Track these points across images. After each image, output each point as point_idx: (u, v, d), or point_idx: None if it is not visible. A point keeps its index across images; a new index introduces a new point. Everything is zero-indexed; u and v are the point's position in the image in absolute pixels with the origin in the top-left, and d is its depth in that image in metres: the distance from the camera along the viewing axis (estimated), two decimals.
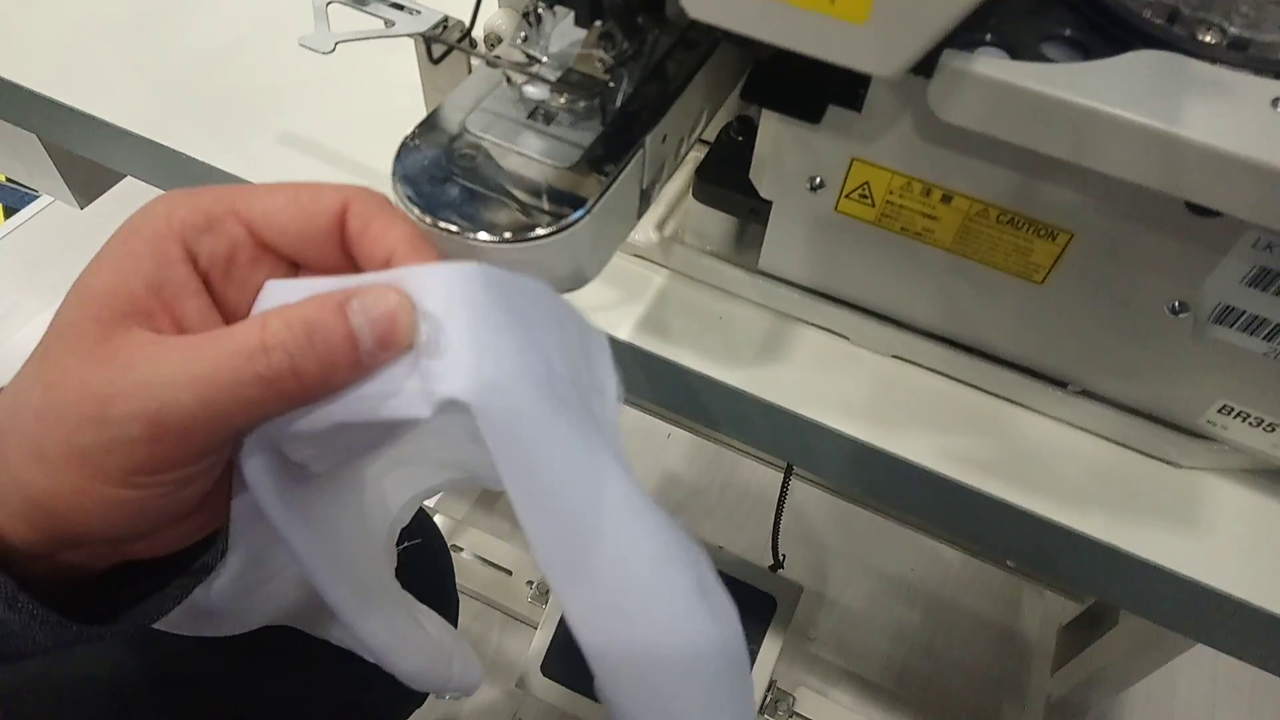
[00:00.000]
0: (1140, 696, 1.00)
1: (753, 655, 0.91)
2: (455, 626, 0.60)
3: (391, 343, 0.23)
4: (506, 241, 0.28)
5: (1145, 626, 0.78)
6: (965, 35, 0.27)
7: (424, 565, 0.55)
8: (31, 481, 0.23)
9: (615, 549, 0.24)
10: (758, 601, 0.93)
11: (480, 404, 0.22)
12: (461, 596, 0.65)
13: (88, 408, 0.22)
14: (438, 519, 1.03)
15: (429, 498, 0.35)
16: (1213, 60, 0.27)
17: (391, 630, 0.31)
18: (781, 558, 0.92)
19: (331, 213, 0.25)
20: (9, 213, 1.48)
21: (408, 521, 0.35)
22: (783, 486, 0.81)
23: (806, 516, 1.16)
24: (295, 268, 0.26)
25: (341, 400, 0.24)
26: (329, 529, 0.28)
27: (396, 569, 0.35)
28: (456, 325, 0.23)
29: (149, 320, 0.23)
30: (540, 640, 0.89)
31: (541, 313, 0.26)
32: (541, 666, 0.93)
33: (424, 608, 0.35)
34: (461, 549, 1.02)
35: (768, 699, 0.92)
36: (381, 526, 0.33)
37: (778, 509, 0.83)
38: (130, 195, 0.65)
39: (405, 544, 0.37)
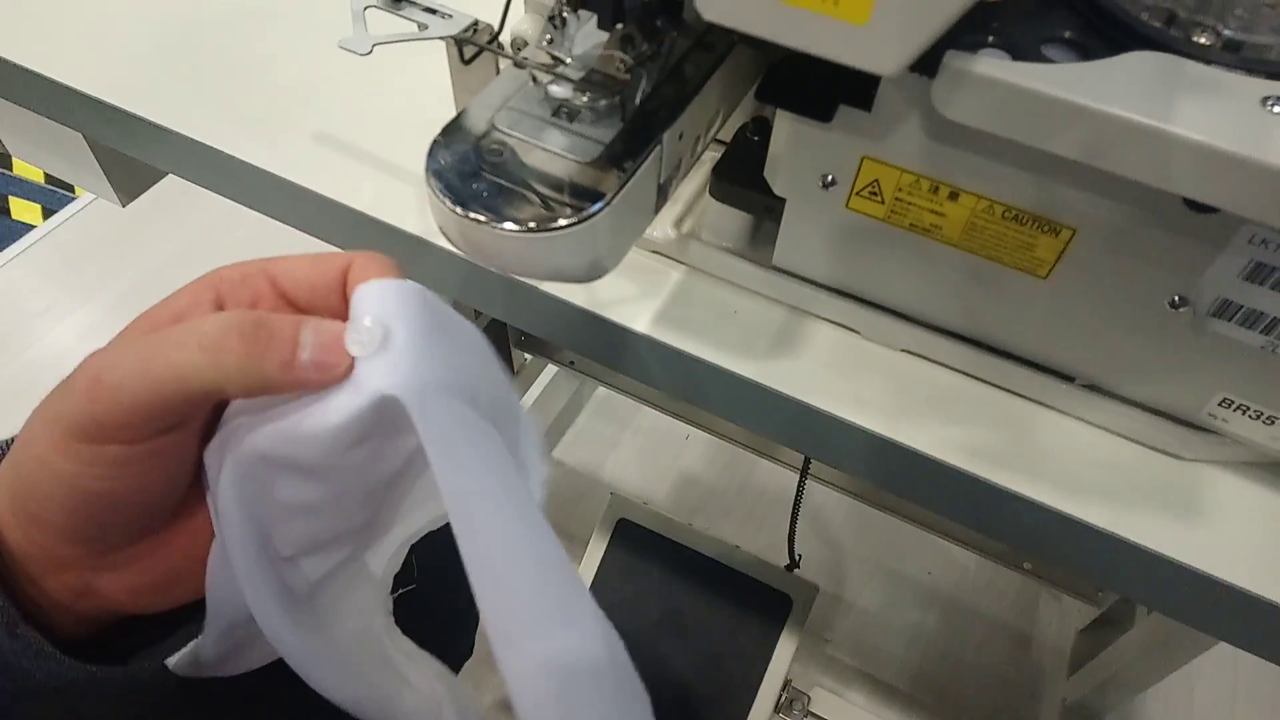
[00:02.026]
0: (1158, 702, 1.00)
1: (768, 654, 0.92)
2: (473, 642, 0.60)
3: (328, 366, 0.24)
4: (530, 231, 0.29)
5: (1160, 629, 0.78)
6: (968, 37, 0.28)
7: (445, 583, 0.55)
8: (19, 459, 0.25)
9: (526, 560, 0.25)
10: (773, 601, 0.94)
11: (418, 400, 0.24)
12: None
13: (70, 376, 0.24)
14: None
15: (414, 539, 0.35)
16: (1207, 61, 0.28)
17: (370, 696, 0.31)
18: (798, 558, 0.93)
19: (338, 269, 0.27)
20: (47, 214, 1.52)
21: (398, 568, 0.36)
22: (799, 485, 0.82)
23: (824, 519, 1.17)
24: None
25: (284, 409, 0.25)
26: (303, 608, 0.29)
27: (411, 590, 0.36)
28: (396, 331, 0.25)
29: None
30: None
31: (473, 356, 0.28)
32: None
33: (418, 657, 0.35)
34: None
35: (783, 698, 0.93)
36: (372, 583, 0.34)
37: (794, 508, 0.84)
38: (166, 197, 0.67)
39: (399, 590, 0.37)
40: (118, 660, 0.28)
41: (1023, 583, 1.09)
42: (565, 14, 0.31)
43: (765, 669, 0.92)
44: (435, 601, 0.40)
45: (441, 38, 0.35)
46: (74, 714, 0.40)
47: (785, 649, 0.92)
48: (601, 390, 1.26)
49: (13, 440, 0.26)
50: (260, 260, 0.28)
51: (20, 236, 1.47)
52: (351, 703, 0.30)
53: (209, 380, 0.24)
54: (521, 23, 0.38)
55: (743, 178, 0.40)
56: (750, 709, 0.90)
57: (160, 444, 0.25)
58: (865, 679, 1.02)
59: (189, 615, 0.30)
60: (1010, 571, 1.06)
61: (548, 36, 0.32)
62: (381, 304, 0.25)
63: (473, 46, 0.35)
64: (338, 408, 0.25)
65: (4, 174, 1.57)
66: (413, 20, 0.36)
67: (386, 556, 0.33)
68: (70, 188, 1.55)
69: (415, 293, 0.26)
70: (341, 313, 0.27)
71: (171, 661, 0.32)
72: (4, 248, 1.46)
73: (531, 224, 0.30)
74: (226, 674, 0.35)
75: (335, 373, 0.25)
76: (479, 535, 0.25)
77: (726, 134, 0.42)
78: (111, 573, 0.27)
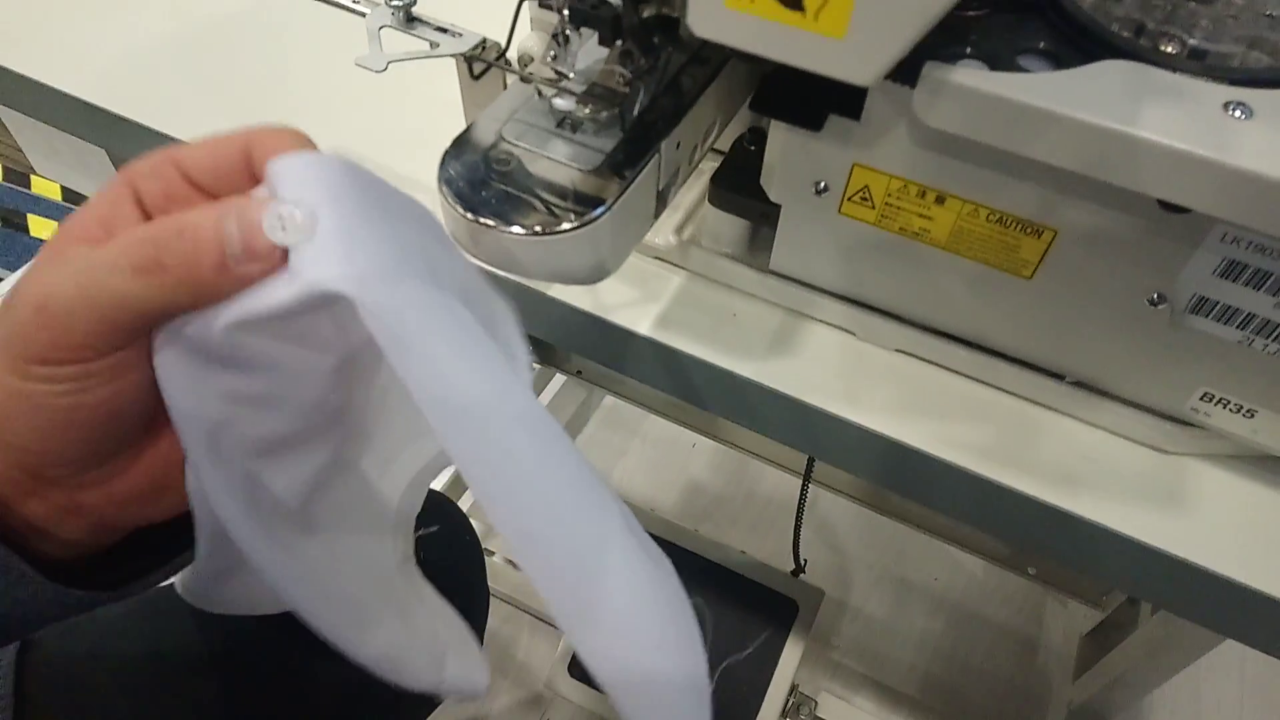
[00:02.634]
0: (1164, 705, 1.00)
1: (775, 659, 0.93)
2: (484, 623, 0.62)
3: (261, 251, 0.23)
4: (537, 235, 0.31)
5: (1162, 630, 0.79)
6: (947, 49, 0.30)
7: (454, 559, 0.57)
8: None
9: (536, 469, 0.23)
10: (780, 606, 0.96)
11: (357, 291, 0.21)
12: (493, 600, 0.68)
13: (9, 301, 0.24)
14: (473, 521, 1.06)
15: (431, 479, 0.34)
16: (1173, 69, 0.30)
17: (356, 621, 0.29)
18: (803, 563, 0.94)
19: (239, 146, 0.27)
20: None
21: (418, 508, 0.35)
22: (803, 488, 0.83)
23: (831, 525, 1.18)
24: None
25: (223, 306, 0.24)
26: (287, 517, 0.28)
27: (420, 558, 0.35)
28: (321, 210, 0.22)
29: (93, 244, 0.25)
30: (567, 642, 0.92)
31: (425, 232, 0.26)
32: (569, 668, 0.96)
33: (432, 601, 0.34)
34: (493, 552, 1.05)
35: (790, 703, 0.94)
36: (377, 515, 0.32)
37: (798, 511, 0.86)
38: None
39: (421, 531, 0.36)
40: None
41: (1029, 587, 1.09)
42: (568, 31, 0.33)
43: (772, 674, 0.93)
44: (445, 598, 0.42)
45: (452, 55, 0.37)
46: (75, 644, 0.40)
47: (792, 654, 0.93)
48: (609, 399, 1.27)
49: None
50: (168, 149, 0.28)
51: (37, 253, 1.50)
52: (329, 626, 0.28)
53: (153, 302, 0.24)
54: (528, 40, 0.40)
55: (740, 185, 0.42)
56: (758, 714, 0.91)
57: (120, 356, 0.25)
58: (872, 684, 1.03)
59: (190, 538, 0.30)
60: (1016, 576, 1.07)
61: (552, 53, 0.34)
62: (302, 182, 0.23)
63: (481, 63, 0.37)
64: (266, 299, 0.23)
65: (23, 192, 1.61)
66: (425, 39, 0.38)
67: (398, 491, 0.32)
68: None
69: (338, 164, 0.24)
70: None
71: (178, 584, 0.31)
72: (22, 264, 1.49)
73: (538, 228, 0.31)
74: (231, 606, 0.34)
75: (272, 260, 0.23)
76: (475, 448, 0.22)
77: (725, 144, 0.44)
78: (95, 488, 0.27)
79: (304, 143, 0.27)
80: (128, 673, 0.44)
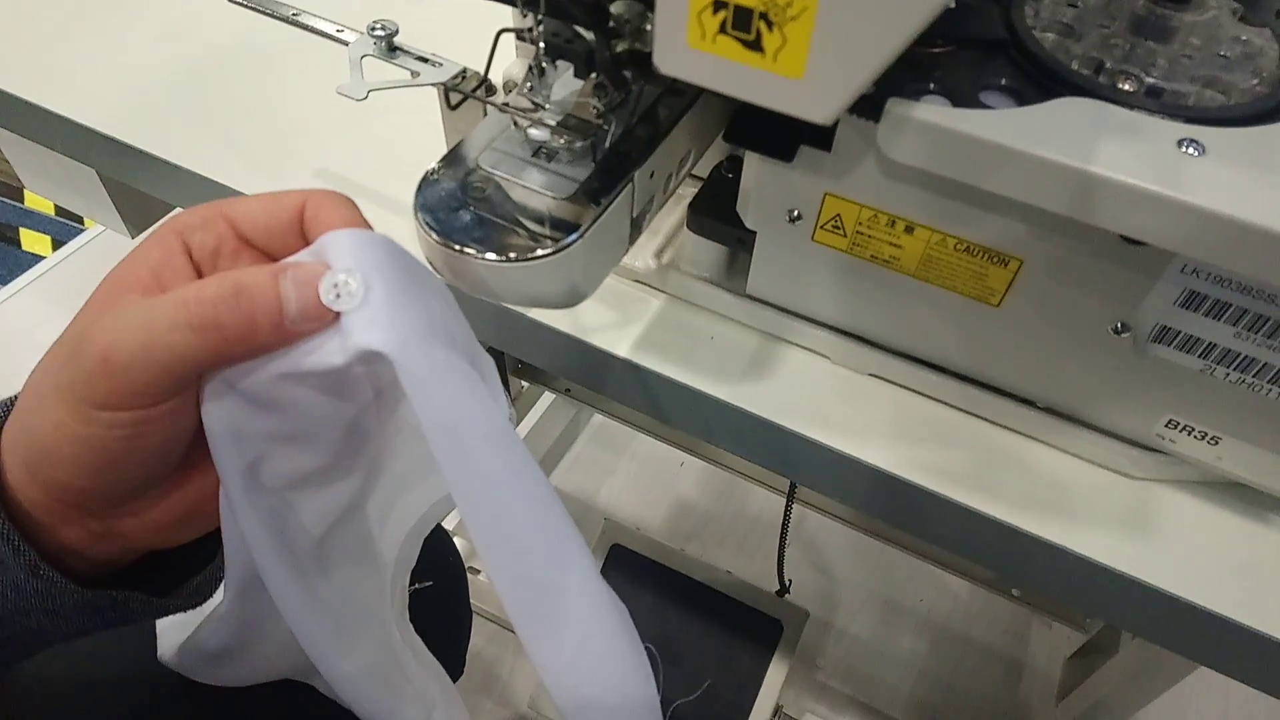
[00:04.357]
0: None
1: (759, 679, 0.93)
2: (468, 642, 0.62)
3: (315, 313, 0.25)
4: (511, 261, 0.32)
5: (1143, 654, 0.79)
6: (912, 85, 0.31)
7: (438, 578, 0.57)
8: (33, 425, 0.26)
9: (528, 512, 0.26)
10: (764, 626, 0.96)
11: (400, 353, 0.25)
12: (476, 619, 0.69)
13: (68, 346, 0.26)
14: (456, 541, 1.07)
15: (428, 529, 0.36)
16: (1130, 106, 0.30)
17: (367, 678, 0.31)
18: (788, 583, 0.94)
19: (293, 208, 0.29)
20: (56, 245, 1.56)
21: (414, 561, 0.37)
22: (786, 509, 0.83)
23: (817, 546, 1.18)
24: (272, 259, 0.30)
25: (274, 360, 0.26)
26: (308, 561, 0.30)
27: (420, 591, 0.37)
28: (374, 283, 0.25)
29: (145, 294, 0.27)
30: None
31: (443, 301, 0.29)
32: None
33: (421, 654, 0.36)
34: (478, 571, 1.05)
35: None
36: (379, 565, 0.34)
37: (782, 531, 0.86)
38: None
39: (416, 585, 0.38)
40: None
41: (1014, 609, 1.10)
42: (544, 64, 0.34)
43: (756, 695, 0.93)
44: (429, 617, 0.42)
45: (432, 84, 0.38)
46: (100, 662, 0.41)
47: (776, 675, 0.93)
48: (598, 417, 1.28)
49: (14, 399, 0.28)
50: (218, 203, 0.29)
51: (31, 267, 1.50)
52: (333, 670, 0.30)
53: (210, 356, 0.25)
54: (512, 67, 0.41)
55: (717, 212, 0.43)
56: None
57: (176, 401, 0.26)
58: (857, 706, 1.03)
59: (212, 553, 0.32)
60: (1001, 598, 1.07)
61: (529, 84, 0.34)
62: (355, 256, 0.26)
63: (459, 94, 0.37)
64: (320, 357, 0.25)
65: (16, 206, 1.61)
66: (406, 68, 0.38)
67: (398, 539, 0.34)
68: (80, 220, 1.58)
69: (384, 243, 0.27)
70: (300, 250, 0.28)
71: (168, 658, 0.33)
72: (14, 278, 1.49)
73: (512, 254, 0.32)
74: (226, 684, 0.36)
75: (324, 320, 0.25)
76: (479, 491, 0.26)
77: (704, 169, 0.45)
78: (133, 516, 0.28)
79: (354, 209, 0.29)
80: (105, 698, 0.44)
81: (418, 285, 0.27)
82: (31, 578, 0.27)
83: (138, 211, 0.69)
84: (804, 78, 0.24)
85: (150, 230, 0.29)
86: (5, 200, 1.61)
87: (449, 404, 0.26)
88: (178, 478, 0.29)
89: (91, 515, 0.28)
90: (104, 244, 1.52)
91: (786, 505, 0.83)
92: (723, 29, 0.25)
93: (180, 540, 0.30)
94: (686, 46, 0.26)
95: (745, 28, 0.24)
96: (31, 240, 1.57)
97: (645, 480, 1.24)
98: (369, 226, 0.28)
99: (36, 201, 1.62)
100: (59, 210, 1.61)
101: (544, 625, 0.26)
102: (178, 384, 0.26)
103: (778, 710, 0.93)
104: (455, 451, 0.26)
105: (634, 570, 0.97)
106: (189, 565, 0.32)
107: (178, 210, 0.29)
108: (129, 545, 0.29)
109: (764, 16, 0.24)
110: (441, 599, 0.56)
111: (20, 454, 0.27)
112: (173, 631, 0.39)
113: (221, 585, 0.32)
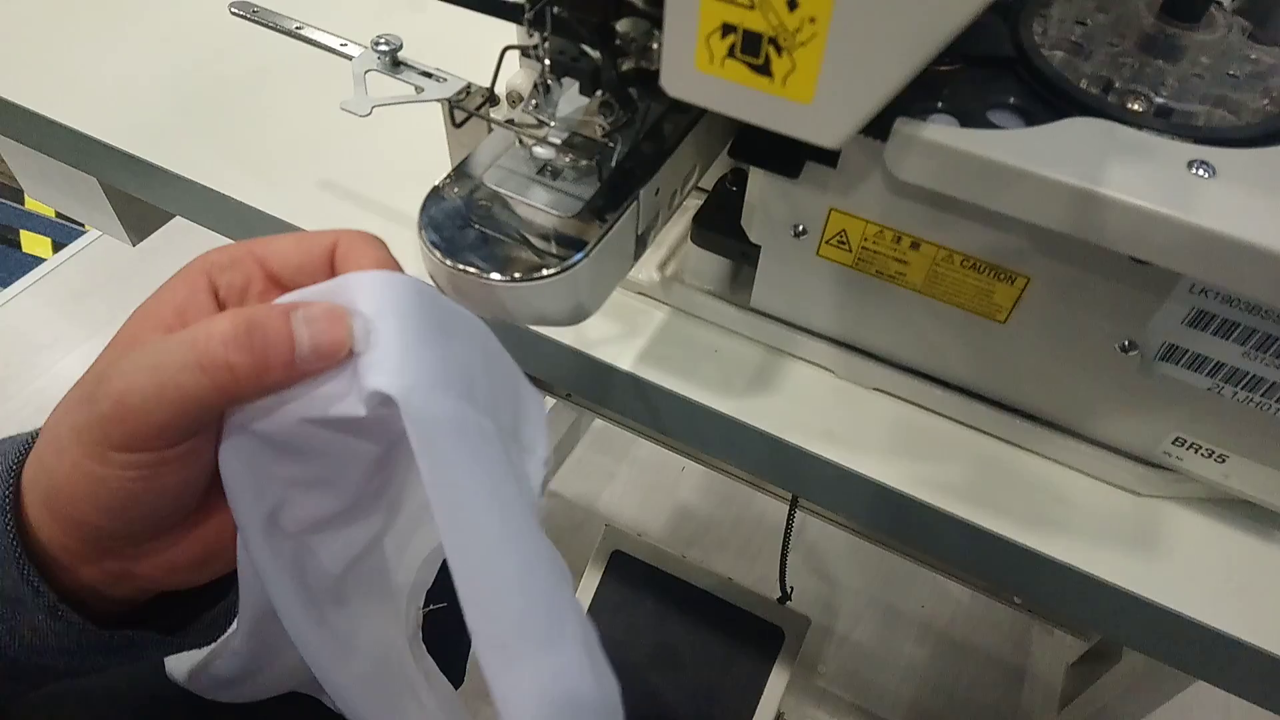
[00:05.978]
0: None
1: (760, 686, 0.93)
2: (467, 656, 0.62)
3: (328, 351, 0.25)
4: (516, 281, 0.32)
5: (1146, 662, 0.79)
6: (919, 104, 0.31)
7: (443, 593, 0.57)
8: (52, 465, 0.26)
9: (511, 572, 0.25)
10: (766, 633, 0.95)
11: (405, 399, 0.24)
12: None
13: (87, 387, 0.26)
14: None
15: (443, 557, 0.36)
16: (1139, 126, 0.30)
17: (377, 703, 0.31)
18: (790, 590, 0.94)
19: (325, 247, 0.29)
20: (57, 247, 1.55)
21: (430, 583, 0.36)
22: (789, 518, 0.83)
23: (819, 552, 1.18)
24: None
25: (290, 400, 0.26)
26: (324, 599, 0.30)
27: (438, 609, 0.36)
28: (386, 325, 0.25)
29: (168, 333, 0.27)
30: None
31: (472, 345, 0.28)
32: None
33: (435, 677, 0.36)
34: None
35: None
36: (395, 593, 0.34)
37: (784, 540, 0.86)
38: (175, 235, 0.70)
39: (430, 607, 0.38)
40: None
41: (1015, 616, 1.10)
42: (550, 81, 0.34)
43: (758, 702, 0.93)
44: (432, 627, 0.42)
45: (436, 100, 0.38)
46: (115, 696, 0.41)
47: (777, 681, 0.92)
48: (599, 422, 1.28)
49: (35, 435, 0.28)
50: (247, 242, 0.29)
51: (31, 269, 1.50)
52: (349, 700, 0.30)
53: (220, 397, 0.25)
54: (516, 78, 0.41)
55: (722, 225, 0.42)
56: None
57: (193, 443, 0.26)
58: (858, 712, 1.03)
59: (225, 589, 0.32)
60: (1003, 606, 1.07)
61: (534, 101, 0.34)
62: (371, 299, 0.26)
63: (462, 111, 0.37)
64: (329, 397, 0.25)
65: (16, 208, 1.61)
66: (410, 83, 0.38)
67: (415, 565, 0.33)
68: (80, 223, 1.58)
69: (407, 285, 0.26)
70: None
71: (179, 675, 0.33)
72: (15, 280, 1.49)
73: (516, 274, 0.32)
74: (240, 700, 0.36)
75: (337, 358, 0.25)
76: (466, 546, 0.25)
77: (708, 183, 0.45)
78: (150, 557, 0.28)
79: (385, 250, 0.29)
80: (109, 702, 0.44)
81: (443, 331, 0.27)
82: (50, 619, 0.27)
83: (139, 219, 0.69)
84: (813, 103, 0.24)
85: (173, 261, 0.29)
86: (6, 202, 1.61)
87: (446, 457, 0.25)
88: (196, 519, 0.29)
89: (110, 555, 0.28)
90: (104, 247, 1.52)
91: (789, 513, 0.82)
92: (731, 53, 0.25)
93: (197, 582, 0.30)
94: (695, 70, 0.25)
95: (754, 52, 0.24)
96: (32, 242, 1.56)
97: (646, 485, 1.24)
98: (399, 268, 0.28)
99: (37, 204, 1.62)
100: (59, 213, 1.60)
101: (514, 703, 0.25)
102: (192, 425, 0.25)
103: (779, 717, 0.93)
104: (445, 505, 0.25)
105: (634, 576, 0.97)
106: (201, 600, 0.32)
107: (203, 232, 0.29)
108: (146, 586, 0.29)
109: (773, 41, 0.24)
110: (445, 608, 0.56)
111: (40, 493, 0.27)
112: (184, 659, 0.39)
113: (235, 620, 0.32)
